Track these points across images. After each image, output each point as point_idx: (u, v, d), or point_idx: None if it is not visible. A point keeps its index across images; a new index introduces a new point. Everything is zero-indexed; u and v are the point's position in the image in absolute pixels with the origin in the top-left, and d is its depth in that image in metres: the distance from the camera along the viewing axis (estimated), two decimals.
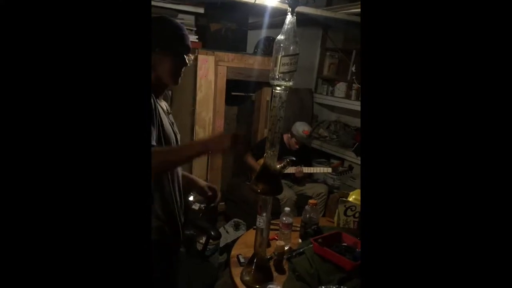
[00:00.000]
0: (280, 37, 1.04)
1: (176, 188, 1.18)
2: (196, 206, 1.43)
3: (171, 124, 1.19)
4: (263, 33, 3.02)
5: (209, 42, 2.56)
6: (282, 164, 1.17)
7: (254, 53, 2.97)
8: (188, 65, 1.16)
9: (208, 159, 2.65)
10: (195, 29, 2.43)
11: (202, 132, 2.56)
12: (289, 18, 1.03)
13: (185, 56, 1.14)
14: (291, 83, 1.09)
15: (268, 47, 3.14)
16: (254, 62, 2.77)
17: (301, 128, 2.79)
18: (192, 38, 2.38)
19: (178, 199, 1.20)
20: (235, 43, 2.72)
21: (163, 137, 1.08)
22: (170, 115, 1.24)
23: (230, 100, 2.94)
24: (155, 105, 1.06)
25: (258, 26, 2.95)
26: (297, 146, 2.81)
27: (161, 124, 1.08)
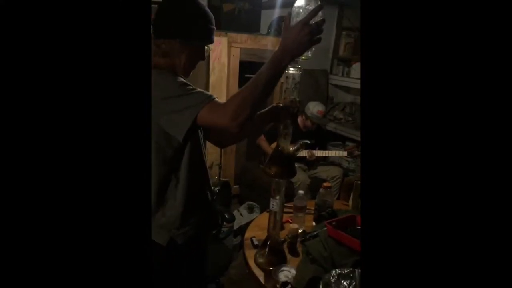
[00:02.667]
0: (299, 2, 0.96)
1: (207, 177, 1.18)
2: None
3: None
4: (277, 12, 2.94)
5: (222, 23, 2.51)
6: (295, 147, 1.13)
7: (268, 33, 2.91)
8: (205, 59, 1.10)
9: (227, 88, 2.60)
10: None
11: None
12: None
13: (204, 48, 1.06)
14: (309, 55, 1.00)
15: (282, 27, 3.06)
16: (268, 43, 2.71)
17: (315, 108, 2.73)
18: None
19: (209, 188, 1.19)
20: (248, 23, 2.66)
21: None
22: None
23: (243, 82, 2.90)
24: None
25: (272, 6, 2.87)
26: (312, 127, 2.75)
27: None
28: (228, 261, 1.83)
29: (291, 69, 1.08)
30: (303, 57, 1.00)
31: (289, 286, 1.08)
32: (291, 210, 1.50)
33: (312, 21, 0.88)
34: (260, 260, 1.20)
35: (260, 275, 1.16)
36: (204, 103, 0.90)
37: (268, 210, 1.50)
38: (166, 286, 1.13)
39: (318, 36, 0.90)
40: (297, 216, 1.45)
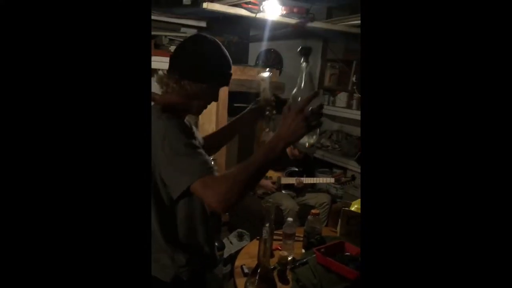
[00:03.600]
0: (296, 91, 0.97)
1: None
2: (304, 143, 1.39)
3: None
4: (264, 45, 3.07)
5: None
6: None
7: (256, 65, 3.02)
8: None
9: (216, 116, 2.65)
10: None
11: (207, 124, 2.61)
12: (303, 67, 0.97)
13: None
14: (311, 141, 1.02)
15: (270, 59, 3.19)
16: (255, 74, 2.82)
17: (304, 139, 2.81)
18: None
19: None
20: (237, 55, 2.77)
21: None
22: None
23: (232, 111, 2.97)
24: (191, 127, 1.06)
25: (259, 39, 3.01)
26: (300, 156, 2.82)
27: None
28: None
29: (262, 74, 1.15)
30: (307, 144, 1.02)
31: None
32: (281, 238, 1.52)
33: (310, 107, 0.89)
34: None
35: None
36: (201, 175, 0.90)
37: (258, 237, 1.52)
38: None
39: (315, 122, 0.91)
40: (286, 243, 1.47)
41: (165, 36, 2.40)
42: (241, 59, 2.81)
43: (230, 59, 1.08)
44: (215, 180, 0.90)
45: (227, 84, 1.09)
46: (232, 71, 1.09)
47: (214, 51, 1.04)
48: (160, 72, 1.07)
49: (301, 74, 0.99)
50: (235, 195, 0.88)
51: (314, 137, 1.01)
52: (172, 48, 2.35)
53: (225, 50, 1.07)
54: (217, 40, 1.07)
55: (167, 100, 1.06)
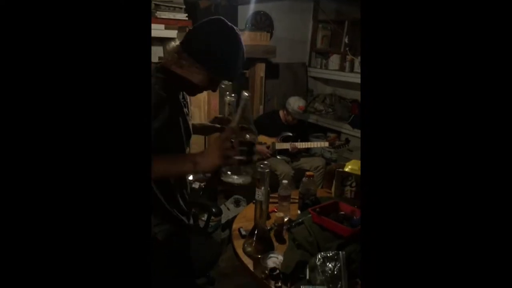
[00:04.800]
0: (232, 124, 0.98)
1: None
2: (196, 185, 1.47)
3: (186, 115, 1.15)
4: (253, 8, 2.97)
5: (199, 20, 2.51)
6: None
7: (245, 28, 2.93)
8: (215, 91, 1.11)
9: (205, 137, 2.66)
10: (184, 6, 2.39)
11: (197, 112, 2.57)
12: (243, 98, 0.96)
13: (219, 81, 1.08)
14: (247, 179, 1.01)
15: (259, 22, 3.09)
16: (246, 38, 2.74)
17: (296, 104, 2.79)
18: (181, 16, 2.33)
19: (184, 182, 1.22)
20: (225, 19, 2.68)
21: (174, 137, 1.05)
22: (188, 104, 1.20)
23: None
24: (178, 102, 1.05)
25: (248, 1, 2.90)
26: (293, 121, 2.83)
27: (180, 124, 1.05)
28: (217, 255, 1.85)
29: (228, 97, 1.15)
30: (236, 183, 1.00)
31: (277, 271, 1.13)
32: (276, 200, 1.55)
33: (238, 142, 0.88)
34: (249, 249, 1.24)
35: (249, 263, 1.20)
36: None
37: (254, 201, 1.54)
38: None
39: (242, 158, 0.89)
40: (282, 205, 1.50)
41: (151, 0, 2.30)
42: (230, 23, 2.72)
43: (244, 58, 1.06)
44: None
45: (232, 81, 1.08)
46: (240, 71, 1.08)
47: (232, 48, 1.02)
48: (173, 44, 1.07)
49: (239, 106, 0.97)
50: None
51: (248, 177, 0.99)
52: (159, 14, 2.27)
53: (243, 48, 1.05)
54: (239, 36, 1.04)
55: (168, 66, 1.05)
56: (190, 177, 1.15)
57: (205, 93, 2.59)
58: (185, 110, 1.15)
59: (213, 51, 1.01)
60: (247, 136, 0.93)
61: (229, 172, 0.97)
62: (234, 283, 2.14)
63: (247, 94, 0.96)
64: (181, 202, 1.17)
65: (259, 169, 1.17)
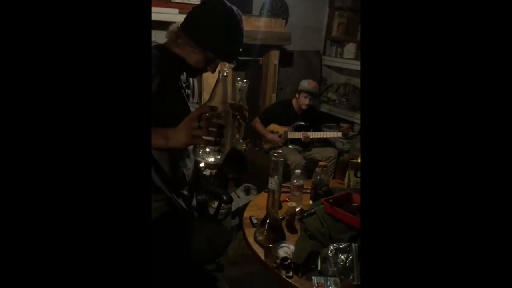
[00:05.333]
0: (208, 101, 0.96)
1: (185, 154, 1.19)
2: (207, 172, 1.44)
3: (186, 96, 1.14)
4: None
5: None
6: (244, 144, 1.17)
7: (260, 15, 2.87)
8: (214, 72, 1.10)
9: None
10: None
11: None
12: (222, 76, 0.94)
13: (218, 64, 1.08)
14: (217, 159, 0.99)
15: (275, 8, 3.03)
16: (261, 24, 2.69)
17: (306, 82, 2.74)
18: (196, 0, 2.29)
19: (189, 165, 1.21)
20: (240, 5, 2.62)
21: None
22: (191, 85, 1.19)
23: (237, 64, 2.89)
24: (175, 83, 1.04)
25: None
26: (307, 103, 2.73)
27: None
28: (227, 242, 1.86)
29: (240, 82, 1.13)
30: (203, 164, 0.98)
31: (289, 261, 1.12)
32: (288, 190, 1.53)
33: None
34: (260, 237, 1.23)
35: (260, 252, 1.20)
36: None
37: (266, 190, 1.53)
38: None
39: (210, 138, 0.88)
40: (294, 195, 1.48)
41: None
42: (245, 8, 2.66)
43: (243, 42, 1.06)
44: None
45: (230, 62, 1.07)
46: (238, 55, 1.07)
47: (229, 27, 1.02)
48: (174, 26, 1.08)
49: (217, 85, 0.95)
50: None
51: (218, 157, 0.97)
52: None
53: (243, 30, 1.04)
54: (238, 17, 1.04)
55: (167, 46, 1.06)
56: (201, 164, 1.14)
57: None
58: (187, 91, 1.14)
59: (208, 29, 1.01)
60: (220, 117, 0.91)
61: (200, 152, 0.96)
62: (242, 270, 2.15)
63: (225, 74, 0.94)
64: (178, 184, 1.15)
65: (273, 158, 1.15)
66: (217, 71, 1.03)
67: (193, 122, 0.88)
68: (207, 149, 0.95)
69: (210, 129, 0.88)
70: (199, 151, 0.96)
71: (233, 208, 2.42)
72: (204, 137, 0.88)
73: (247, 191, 2.61)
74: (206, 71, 1.11)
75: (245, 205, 2.54)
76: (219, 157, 0.97)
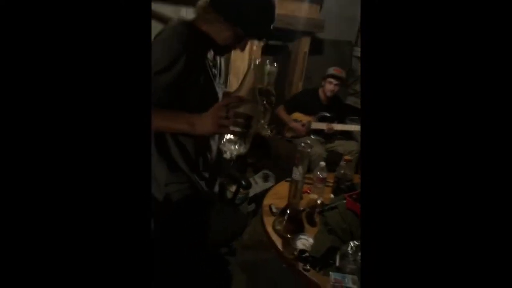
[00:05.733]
0: (237, 90, 0.93)
1: (210, 136, 1.17)
2: (227, 155, 1.41)
3: (213, 76, 1.10)
4: None
5: None
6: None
7: None
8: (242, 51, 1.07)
9: None
10: None
11: (235, 81, 2.51)
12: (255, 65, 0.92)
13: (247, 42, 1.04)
14: (241, 150, 0.96)
15: None
16: (294, 8, 2.61)
17: (332, 68, 2.65)
18: None
19: (213, 147, 1.18)
20: None
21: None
22: (218, 65, 1.16)
23: (266, 49, 2.83)
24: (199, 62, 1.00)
25: None
26: (332, 88, 2.64)
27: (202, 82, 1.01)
28: (242, 226, 1.85)
29: (269, 66, 1.07)
30: (229, 154, 0.95)
31: (307, 254, 1.10)
32: (309, 181, 1.50)
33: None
34: (278, 227, 1.22)
35: (277, 241, 1.18)
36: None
37: (287, 179, 1.50)
38: (165, 245, 1.15)
39: (236, 129, 0.86)
40: (317, 187, 1.45)
41: None
42: None
43: (274, 19, 1.01)
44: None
45: (260, 40, 1.03)
46: (272, 29, 1.03)
47: (261, 4, 0.98)
48: (203, 1, 1.03)
49: (248, 74, 0.91)
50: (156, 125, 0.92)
51: (241, 148, 0.94)
52: None
53: (275, 7, 1.00)
54: None
55: (195, 23, 1.03)
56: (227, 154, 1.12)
57: (245, 62, 2.52)
58: (214, 71, 1.10)
59: (238, 4, 0.97)
60: (249, 109, 0.88)
61: (225, 140, 0.94)
62: (255, 256, 2.15)
63: (258, 63, 0.92)
64: (201, 166, 1.13)
65: (299, 148, 1.12)
66: (248, 59, 1.01)
67: (220, 111, 0.86)
68: (232, 139, 0.93)
69: (238, 120, 0.85)
70: (224, 140, 0.95)
71: (251, 194, 2.41)
72: (231, 127, 0.86)
73: (265, 178, 2.59)
74: (235, 49, 1.08)
75: (262, 192, 2.54)
76: (244, 148, 0.95)
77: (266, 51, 2.83)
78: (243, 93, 0.90)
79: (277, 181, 2.44)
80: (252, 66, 0.91)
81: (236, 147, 0.94)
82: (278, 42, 2.90)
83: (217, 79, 1.15)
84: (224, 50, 1.09)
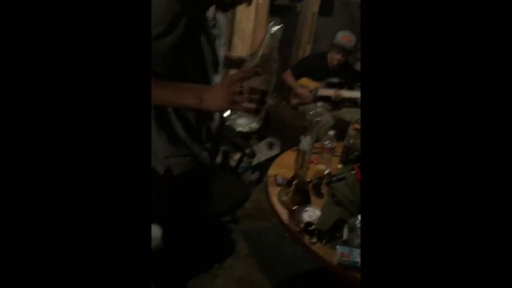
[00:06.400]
0: (251, 60, 0.84)
1: None
2: (229, 123, 1.33)
3: (214, 38, 1.00)
4: None
5: None
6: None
7: None
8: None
9: None
10: None
11: (240, 44, 2.38)
12: (272, 33, 0.82)
13: None
14: (254, 125, 0.90)
15: None
16: None
17: (341, 34, 2.50)
18: None
19: (216, 117, 1.10)
20: None
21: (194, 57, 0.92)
22: (218, 25, 1.06)
23: (272, 10, 2.66)
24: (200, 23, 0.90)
25: None
26: (338, 58, 2.53)
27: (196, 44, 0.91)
28: (245, 195, 1.82)
29: (273, 28, 0.97)
30: (242, 128, 0.89)
31: (313, 227, 1.05)
32: (316, 151, 1.43)
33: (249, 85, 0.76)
34: (284, 198, 1.17)
35: (282, 213, 1.13)
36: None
37: (294, 148, 1.43)
38: (166, 218, 1.11)
39: (249, 105, 0.77)
40: (324, 157, 1.38)
41: None
42: None
43: None
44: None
45: None
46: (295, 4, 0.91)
47: None
48: None
49: (264, 41, 0.82)
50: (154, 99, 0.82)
51: (254, 123, 0.88)
52: None
53: None
54: None
55: None
56: (225, 114, 1.03)
57: (250, 23, 2.37)
58: (214, 31, 0.99)
59: None
60: (263, 83, 0.80)
61: (234, 116, 0.88)
62: (257, 225, 2.14)
63: (276, 29, 0.81)
64: (204, 137, 1.06)
65: (308, 117, 1.05)
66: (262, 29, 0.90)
67: (234, 86, 0.77)
68: (235, 116, 0.87)
69: (253, 96, 0.77)
70: (233, 116, 0.88)
71: (254, 163, 2.36)
72: (244, 104, 0.78)
73: (270, 146, 2.53)
74: (240, 3, 0.96)
75: (267, 160, 2.50)
76: (256, 123, 0.88)
77: (272, 12, 2.66)
78: (257, 62, 0.82)
79: (282, 149, 2.38)
80: (267, 34, 0.81)
81: (247, 123, 0.88)
82: (285, 1, 2.71)
83: (217, 40, 1.04)
84: (229, 5, 0.97)
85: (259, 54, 0.82)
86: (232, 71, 1.09)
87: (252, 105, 0.78)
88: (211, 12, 0.98)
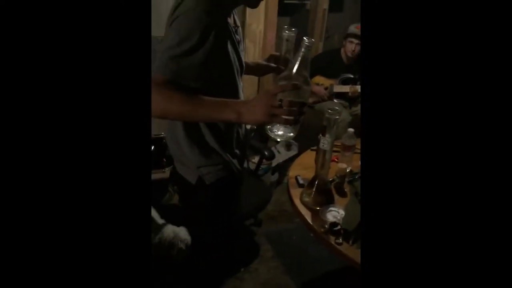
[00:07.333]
0: (286, 73, 0.86)
1: None
2: (248, 125, 1.33)
3: (237, 43, 0.97)
4: None
5: None
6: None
7: None
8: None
9: (258, 79, 2.50)
10: None
11: (252, 47, 2.38)
12: (304, 46, 0.82)
13: None
14: (291, 135, 0.93)
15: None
16: None
17: (354, 25, 2.46)
18: None
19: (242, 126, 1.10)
20: None
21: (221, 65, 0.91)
22: (239, 30, 1.03)
23: (281, 9, 2.65)
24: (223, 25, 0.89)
25: None
26: (353, 48, 2.48)
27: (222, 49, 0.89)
28: (267, 198, 1.82)
29: (287, 31, 0.97)
30: (278, 138, 0.92)
31: (338, 227, 1.04)
32: (337, 149, 1.41)
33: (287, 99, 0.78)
34: (306, 199, 1.15)
35: (306, 214, 1.12)
36: (159, 71, 0.80)
37: (312, 148, 1.42)
38: (197, 225, 1.12)
39: (289, 118, 0.78)
40: (345, 156, 1.36)
41: None
42: None
43: None
44: (163, 90, 0.79)
45: None
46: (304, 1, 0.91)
47: None
48: None
49: (297, 55, 0.83)
50: (165, 115, 0.83)
51: (291, 134, 0.89)
52: None
53: None
54: None
55: None
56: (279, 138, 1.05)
57: (261, 26, 2.37)
58: (237, 37, 0.98)
59: None
60: (300, 94, 0.82)
61: (271, 126, 0.89)
62: (280, 226, 2.13)
63: (308, 41, 0.82)
64: (234, 144, 1.06)
65: (326, 115, 1.03)
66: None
67: (272, 100, 0.78)
68: (273, 127, 0.89)
69: (292, 109, 0.78)
70: (271, 126, 0.89)
71: (273, 164, 2.35)
72: (283, 116, 0.79)
73: (288, 147, 2.51)
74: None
75: (285, 161, 2.48)
76: (294, 133, 0.90)
77: (282, 12, 2.65)
78: (290, 72, 0.84)
79: (301, 149, 2.36)
80: (303, 47, 0.82)
81: (284, 133, 0.90)
82: (294, 0, 2.70)
83: (240, 45, 1.02)
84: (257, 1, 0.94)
85: (294, 65, 0.83)
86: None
87: (291, 118, 0.79)
88: (231, 17, 0.98)
